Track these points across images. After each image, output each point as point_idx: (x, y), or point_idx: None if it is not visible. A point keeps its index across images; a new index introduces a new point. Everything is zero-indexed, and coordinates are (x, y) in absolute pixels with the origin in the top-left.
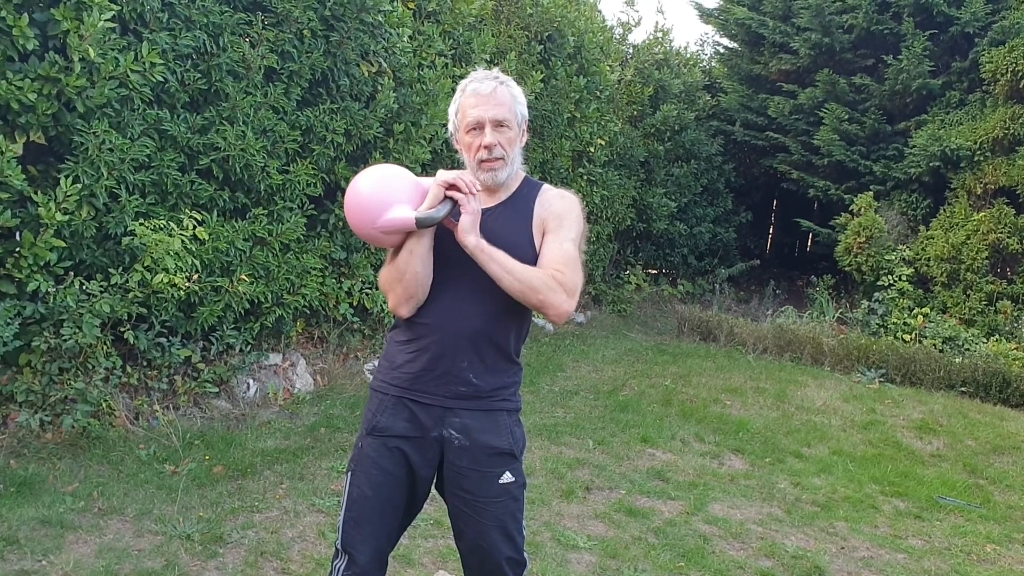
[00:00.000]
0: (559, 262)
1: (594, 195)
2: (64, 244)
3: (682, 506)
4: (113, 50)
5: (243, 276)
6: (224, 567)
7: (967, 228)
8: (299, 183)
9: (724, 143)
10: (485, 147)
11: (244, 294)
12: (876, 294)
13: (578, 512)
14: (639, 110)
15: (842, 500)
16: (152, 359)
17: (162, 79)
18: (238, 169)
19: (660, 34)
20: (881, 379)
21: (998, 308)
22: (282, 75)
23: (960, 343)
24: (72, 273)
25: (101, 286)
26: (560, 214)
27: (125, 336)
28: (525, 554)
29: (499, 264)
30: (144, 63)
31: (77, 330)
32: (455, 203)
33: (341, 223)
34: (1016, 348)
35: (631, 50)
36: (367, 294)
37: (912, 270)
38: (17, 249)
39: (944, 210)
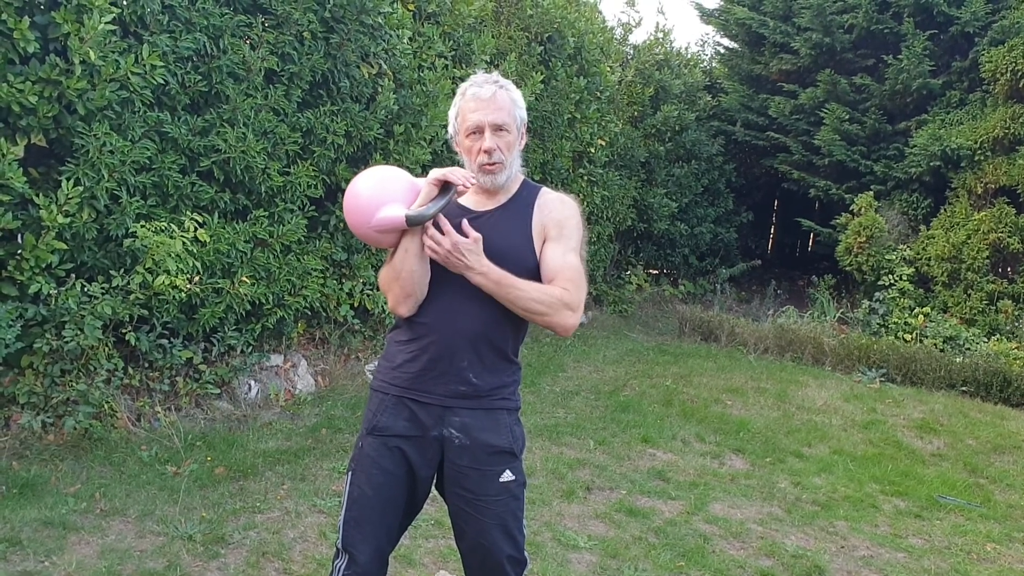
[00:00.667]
0: (563, 277)
1: (595, 195)
2: (65, 246)
3: (682, 506)
4: (114, 52)
5: (244, 278)
6: (226, 568)
7: (968, 228)
8: (300, 185)
9: (725, 143)
10: (485, 151)
11: (245, 295)
12: (877, 294)
13: (579, 512)
14: (640, 110)
15: (842, 499)
16: (154, 361)
17: (163, 81)
18: (239, 171)
19: (661, 35)
20: (882, 379)
21: (999, 307)
22: (282, 77)
23: (961, 343)
24: (73, 275)
25: (102, 288)
26: (561, 221)
27: (127, 338)
28: (526, 553)
29: (503, 296)
30: (145, 65)
31: (79, 332)
32: (448, 200)
33: (342, 224)
34: (1017, 347)
35: (632, 51)
36: (368, 295)
37: (913, 270)
38: (19, 251)
39: (945, 210)
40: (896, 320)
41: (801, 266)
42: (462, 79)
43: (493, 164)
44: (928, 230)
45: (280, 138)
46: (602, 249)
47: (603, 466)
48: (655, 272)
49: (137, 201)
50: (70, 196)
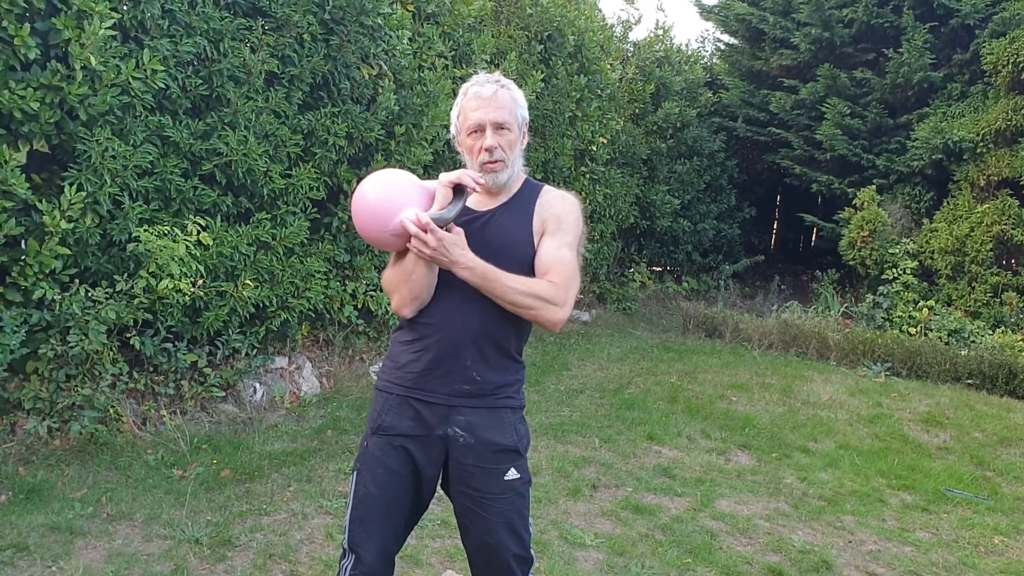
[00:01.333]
0: (554, 271)
1: (597, 193)
2: (69, 252)
3: (689, 502)
4: (114, 58)
5: (247, 281)
6: (233, 570)
7: (971, 220)
8: (302, 187)
9: (726, 139)
10: (486, 150)
11: (249, 298)
12: (881, 288)
13: (585, 510)
14: (641, 108)
15: (849, 494)
16: (158, 364)
17: (163, 86)
18: (241, 174)
19: (661, 32)
20: (887, 373)
21: (1003, 300)
22: (283, 79)
23: (966, 335)
24: (77, 280)
25: (106, 293)
26: (559, 216)
27: (131, 342)
28: (532, 551)
29: (490, 291)
30: (145, 70)
31: (83, 337)
32: (464, 201)
33: (344, 226)
34: (1022, 339)
35: (632, 48)
36: (371, 296)
37: (916, 263)
38: (22, 257)
39: (947, 202)
40: (900, 314)
41: (804, 261)
42: (463, 79)
43: (495, 162)
44: (931, 223)
45: (281, 140)
46: (605, 247)
47: (609, 464)
48: (658, 269)
49: (140, 206)
50: (73, 201)
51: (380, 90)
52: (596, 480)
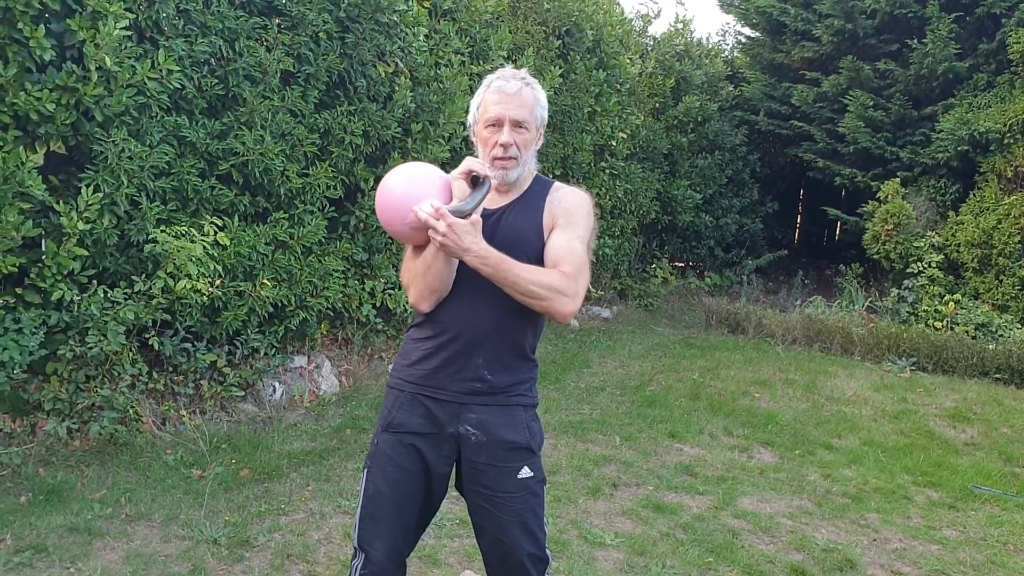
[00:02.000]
0: (565, 262)
1: (617, 189)
2: (87, 253)
3: (711, 501)
4: (130, 58)
5: (265, 280)
6: (251, 571)
7: (998, 212)
8: (319, 186)
9: (748, 133)
10: (501, 145)
11: (267, 298)
12: (906, 282)
13: (605, 509)
14: (661, 102)
15: (874, 491)
16: (178, 364)
17: (179, 86)
18: (257, 173)
19: (680, 25)
20: (912, 368)
21: None
22: (299, 78)
23: (993, 329)
24: (95, 281)
25: (125, 293)
26: (570, 210)
27: (150, 342)
28: (548, 551)
29: (500, 279)
30: (161, 70)
31: (102, 338)
32: (485, 194)
33: (362, 224)
34: None
35: (651, 42)
36: (390, 294)
37: (942, 256)
38: (41, 259)
39: (974, 195)
40: (926, 308)
41: (828, 255)
42: (479, 76)
43: (507, 159)
44: (957, 216)
45: (298, 139)
46: (626, 243)
47: (629, 462)
48: (680, 265)
49: (157, 206)
50: (90, 202)
51: (396, 88)
52: (616, 479)
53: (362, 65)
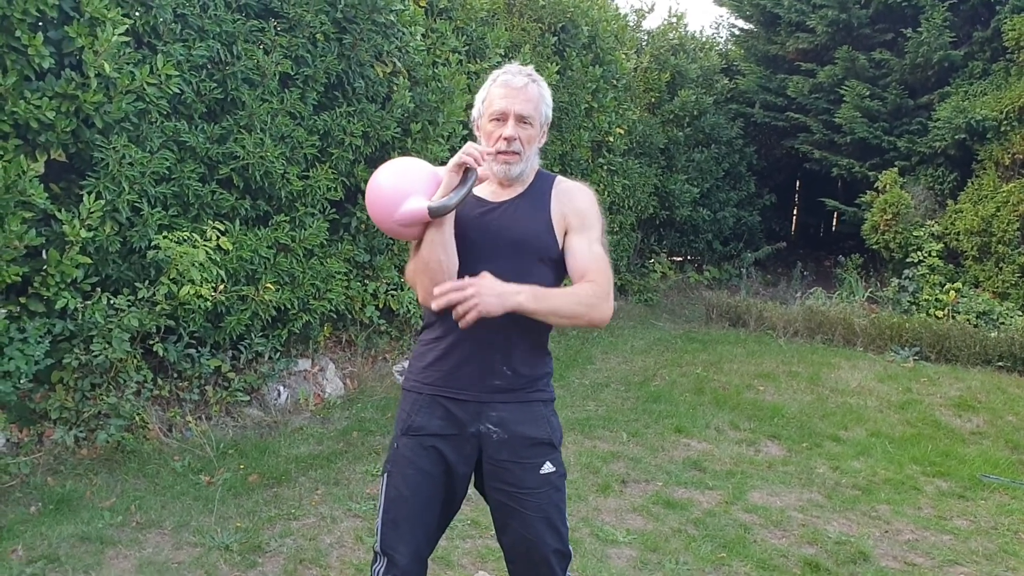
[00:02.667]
0: (592, 270)
1: (615, 185)
2: (90, 260)
3: (720, 496)
4: (128, 64)
5: (268, 284)
6: None
7: (996, 200)
8: (319, 188)
9: (744, 126)
10: (505, 139)
11: (270, 302)
12: (906, 271)
13: (615, 506)
14: (657, 97)
15: (883, 483)
16: (182, 371)
17: (178, 91)
18: (258, 177)
19: (674, 19)
20: (915, 357)
21: None
22: (297, 80)
23: (995, 317)
24: (99, 289)
25: (128, 300)
26: (582, 211)
27: (155, 349)
28: (570, 546)
29: (544, 312)
30: (160, 75)
31: (107, 345)
32: (469, 188)
33: (363, 226)
34: None
35: (646, 37)
36: (392, 295)
37: (942, 245)
38: (44, 267)
39: (972, 183)
40: (927, 297)
41: (826, 246)
42: (477, 74)
43: (510, 153)
44: (956, 204)
45: (298, 142)
46: (625, 238)
47: (637, 458)
48: (679, 259)
49: (158, 212)
50: (92, 210)
51: (395, 88)
52: (625, 475)
53: (360, 66)
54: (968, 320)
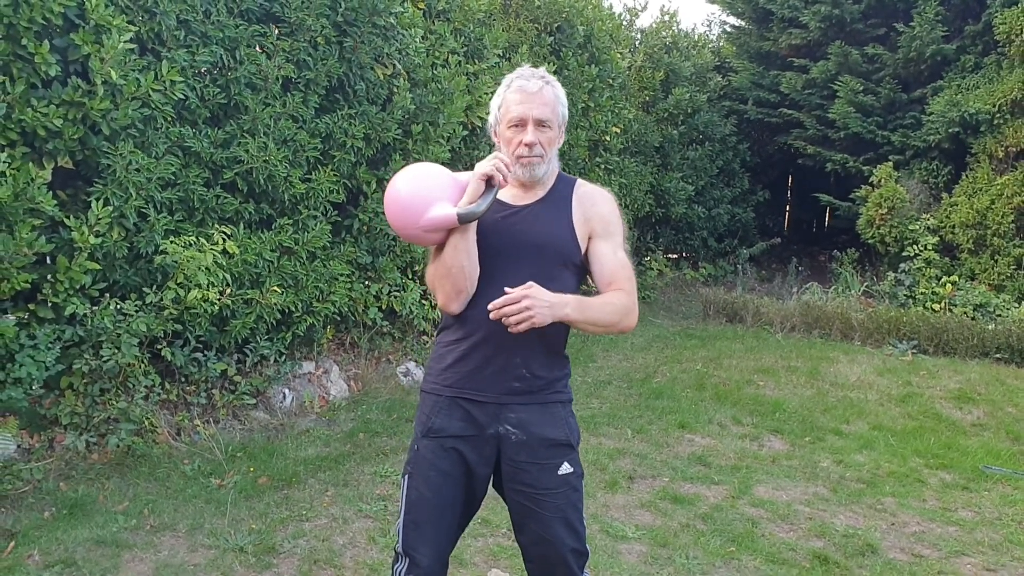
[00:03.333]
0: (619, 277)
1: (612, 183)
2: (98, 266)
3: (727, 490)
4: (134, 71)
5: (275, 287)
6: None
7: (991, 193)
8: (322, 191)
9: (737, 123)
10: (526, 144)
11: (275, 305)
12: (902, 265)
13: (624, 502)
14: (651, 95)
15: (887, 475)
16: (189, 374)
17: (183, 96)
18: (262, 180)
19: (667, 17)
20: (914, 351)
21: None
22: (299, 84)
23: (991, 309)
24: (107, 294)
25: (136, 305)
26: (606, 217)
27: (162, 353)
28: (587, 545)
29: (589, 322)
30: (165, 81)
31: (116, 350)
32: (495, 194)
33: (366, 228)
34: None
35: (639, 35)
36: (395, 297)
37: (937, 238)
38: (52, 274)
39: (966, 176)
40: (923, 290)
41: (819, 242)
42: (476, 75)
43: (533, 157)
44: (951, 197)
45: (300, 145)
46: None
47: (643, 455)
48: (675, 256)
49: (164, 217)
50: (100, 216)
51: (395, 90)
52: (632, 472)
53: (360, 68)
54: (965, 313)
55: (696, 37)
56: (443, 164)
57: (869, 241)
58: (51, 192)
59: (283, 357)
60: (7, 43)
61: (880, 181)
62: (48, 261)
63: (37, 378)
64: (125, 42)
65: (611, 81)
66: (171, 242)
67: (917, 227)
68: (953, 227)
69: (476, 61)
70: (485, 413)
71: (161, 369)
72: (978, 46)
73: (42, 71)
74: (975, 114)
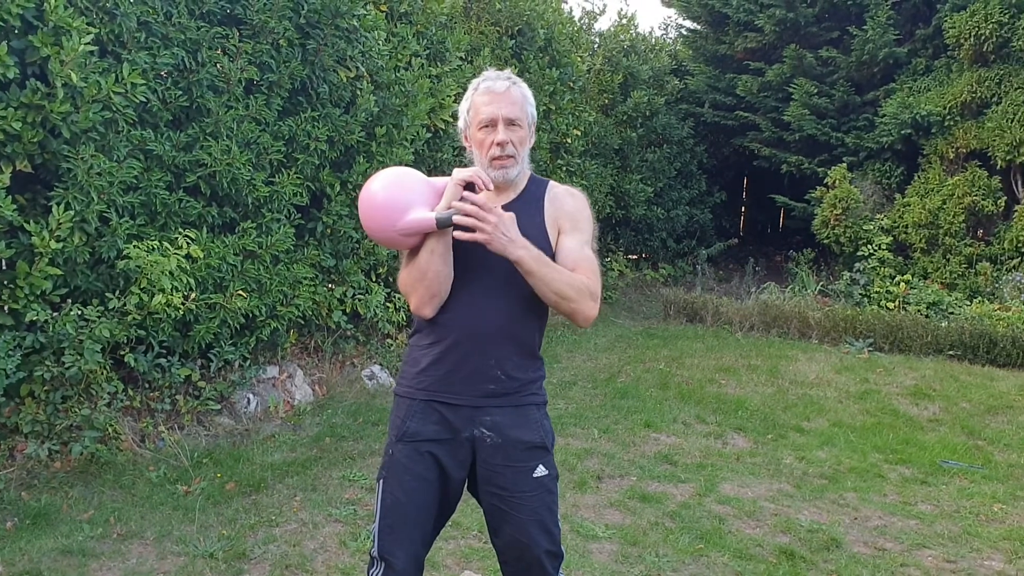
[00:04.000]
0: (582, 268)
1: (574, 185)
2: (59, 271)
3: (693, 488)
4: (95, 73)
5: (241, 291)
6: None
7: (942, 193)
8: (285, 193)
9: (695, 125)
10: (498, 144)
11: (240, 309)
12: (856, 264)
13: (593, 502)
14: (610, 98)
15: (848, 471)
16: (153, 380)
17: (144, 99)
18: (225, 184)
19: (625, 21)
20: (870, 348)
21: (978, 270)
22: (262, 86)
23: (944, 307)
24: (69, 300)
25: (98, 311)
26: (574, 214)
27: (125, 359)
28: (562, 546)
29: (541, 275)
30: (126, 84)
31: (78, 357)
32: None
33: (329, 230)
34: (999, 308)
35: (598, 39)
36: (360, 299)
37: (891, 238)
38: (12, 280)
39: (918, 176)
40: (878, 289)
41: (774, 243)
42: (439, 77)
43: (505, 157)
44: (903, 198)
45: (263, 148)
46: None
47: (610, 454)
48: (635, 257)
49: (126, 222)
50: (61, 221)
51: (359, 92)
52: (600, 471)
53: (324, 71)
54: (919, 311)
55: (653, 41)
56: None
57: (824, 241)
58: (10, 196)
59: (247, 362)
60: None
61: (834, 182)
62: (7, 267)
63: None
64: (85, 44)
65: (572, 84)
66: (134, 246)
67: (871, 227)
68: (906, 227)
69: (439, 64)
70: (460, 416)
71: (124, 375)
72: (929, 49)
73: (0, 73)
74: (926, 116)
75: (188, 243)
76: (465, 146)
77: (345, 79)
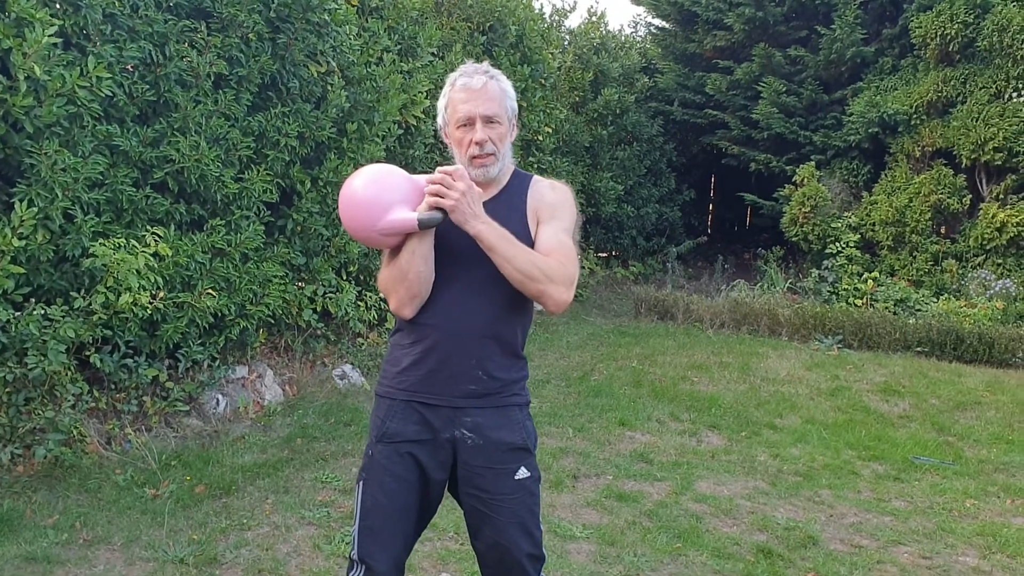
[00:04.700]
0: (556, 253)
1: None
2: (22, 270)
3: (669, 487)
4: (59, 66)
5: (211, 290)
6: None
7: (909, 191)
8: (255, 190)
9: (664, 123)
10: (476, 143)
11: (208, 308)
12: (825, 262)
13: (570, 502)
14: (581, 96)
15: (822, 468)
16: (119, 381)
17: (110, 93)
18: (193, 180)
19: (595, 18)
20: (839, 345)
21: (944, 268)
22: (231, 81)
23: (911, 304)
24: (32, 299)
25: (63, 310)
26: (553, 204)
27: (90, 360)
28: (543, 549)
29: (502, 251)
30: (91, 78)
31: (42, 357)
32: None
33: (299, 228)
34: (965, 305)
35: (568, 36)
36: (330, 298)
37: (858, 236)
38: None
39: (885, 175)
40: (846, 287)
41: (742, 240)
42: (410, 73)
43: (485, 156)
44: (871, 196)
45: (232, 144)
46: None
47: (586, 453)
48: (605, 255)
49: (92, 219)
50: (24, 218)
51: (330, 87)
52: (576, 470)
53: (294, 66)
54: (887, 308)
55: (623, 38)
56: (379, 163)
57: (793, 239)
58: None
59: (216, 362)
60: None
61: (802, 180)
62: None
63: None
64: (49, 36)
65: (543, 81)
66: (100, 244)
67: (839, 225)
68: (873, 225)
69: (410, 59)
70: (440, 417)
71: (89, 376)
72: (895, 49)
73: None
74: (893, 115)
75: (156, 241)
76: (446, 143)
77: (316, 74)
